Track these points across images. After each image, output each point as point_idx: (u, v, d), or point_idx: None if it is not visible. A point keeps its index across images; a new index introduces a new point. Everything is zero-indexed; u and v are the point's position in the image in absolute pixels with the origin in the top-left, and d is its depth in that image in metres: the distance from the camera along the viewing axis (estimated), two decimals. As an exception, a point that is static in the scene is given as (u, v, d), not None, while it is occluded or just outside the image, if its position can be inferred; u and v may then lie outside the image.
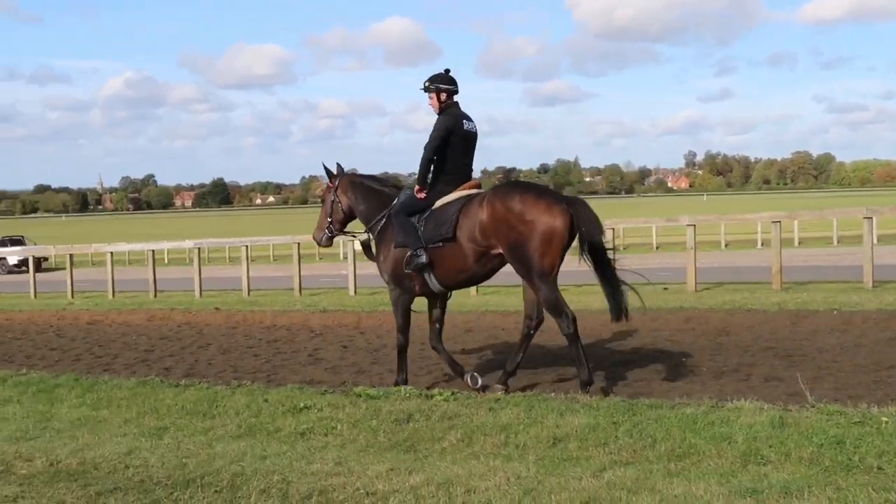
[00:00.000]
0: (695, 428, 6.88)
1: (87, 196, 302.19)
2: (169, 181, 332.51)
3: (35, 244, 50.22)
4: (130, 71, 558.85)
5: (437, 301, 9.81)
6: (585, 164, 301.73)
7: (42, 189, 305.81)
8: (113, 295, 25.42)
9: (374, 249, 9.85)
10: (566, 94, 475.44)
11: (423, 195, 9.21)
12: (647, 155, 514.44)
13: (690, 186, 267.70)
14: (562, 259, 8.65)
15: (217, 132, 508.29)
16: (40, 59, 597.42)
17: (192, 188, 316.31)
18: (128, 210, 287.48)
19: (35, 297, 26.99)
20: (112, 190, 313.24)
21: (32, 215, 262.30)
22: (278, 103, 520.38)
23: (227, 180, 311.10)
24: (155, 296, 24.42)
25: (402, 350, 9.53)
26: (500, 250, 8.76)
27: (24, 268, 44.94)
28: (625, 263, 8.95)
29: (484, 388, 9.24)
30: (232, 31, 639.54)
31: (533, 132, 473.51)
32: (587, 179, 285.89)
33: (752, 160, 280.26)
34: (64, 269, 34.91)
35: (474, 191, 9.18)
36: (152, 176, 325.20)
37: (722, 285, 19.12)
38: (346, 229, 10.35)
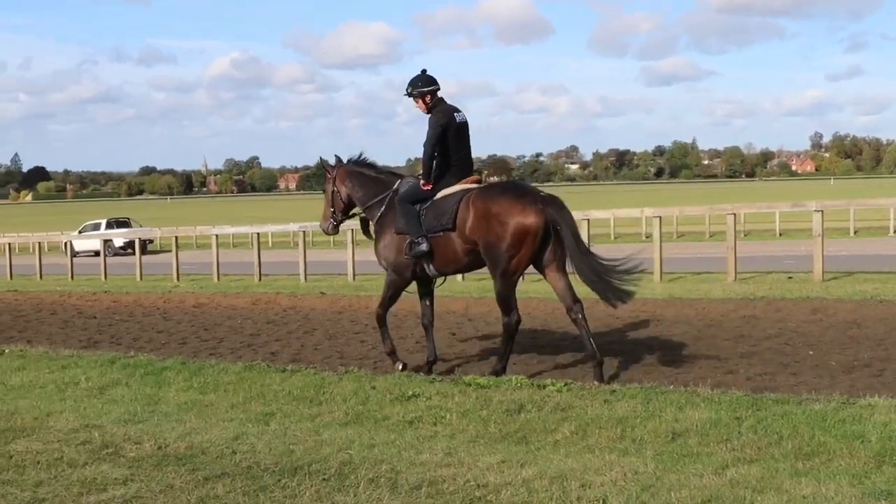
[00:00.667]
0: (824, 425, 6.72)
1: (192, 178, 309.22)
2: (273, 163, 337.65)
3: (140, 226, 51.60)
4: (236, 51, 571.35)
5: (426, 285, 10.72)
6: (704, 146, 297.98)
7: (147, 171, 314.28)
8: (218, 278, 25.95)
9: (372, 233, 10.78)
10: (684, 73, 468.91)
11: (430, 187, 10.07)
12: (770, 136, 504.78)
13: (816, 170, 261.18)
14: (531, 259, 9.45)
15: (322, 113, 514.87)
16: (147, 39, 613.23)
17: (296, 170, 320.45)
18: (232, 192, 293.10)
19: (141, 279, 27.73)
20: (216, 172, 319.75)
21: (138, 197, 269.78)
22: (384, 83, 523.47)
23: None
24: (259, 279, 24.84)
25: (382, 321, 10.63)
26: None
27: (129, 250, 46.19)
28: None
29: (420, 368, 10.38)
30: (338, 9, 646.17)
31: (648, 113, 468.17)
32: (705, 162, 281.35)
33: (884, 142, 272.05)
34: (169, 251, 35.79)
35: (473, 185, 9.99)
36: (256, 158, 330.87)
37: (851, 275, 18.62)
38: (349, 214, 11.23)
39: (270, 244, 51.24)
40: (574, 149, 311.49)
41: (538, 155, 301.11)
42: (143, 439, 7.43)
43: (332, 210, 11.14)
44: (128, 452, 7.10)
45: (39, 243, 35.71)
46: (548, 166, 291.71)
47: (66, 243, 41.72)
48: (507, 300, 9.59)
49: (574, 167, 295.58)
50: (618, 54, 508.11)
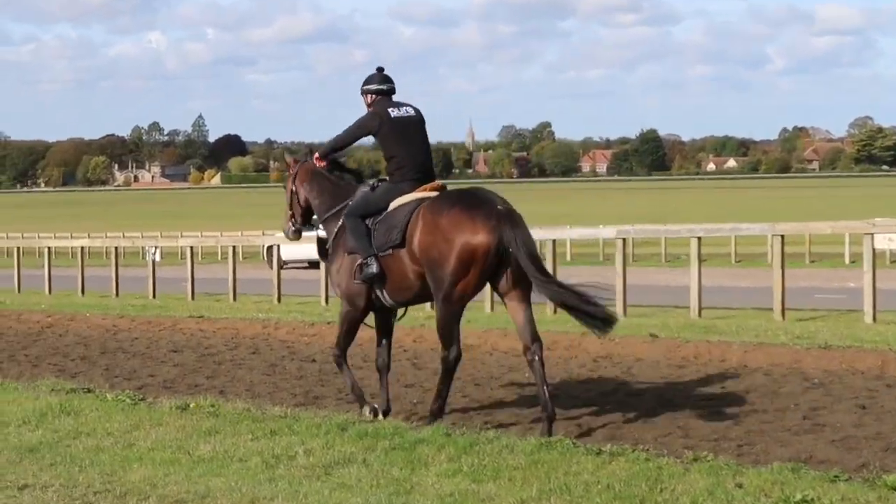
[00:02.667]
0: None
1: (451, 154, 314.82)
2: (573, 133, 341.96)
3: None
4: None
5: (387, 314, 13.17)
6: None
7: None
8: (492, 307, 26.20)
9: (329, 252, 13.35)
10: None
11: (320, 161, 13.34)
12: None
13: None
14: (479, 285, 12.04)
15: (651, 57, 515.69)
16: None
17: (608, 144, 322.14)
18: (511, 176, 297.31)
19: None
20: (488, 146, 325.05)
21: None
22: (747, 12, 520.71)
23: (661, 133, 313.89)
24: (555, 311, 24.92)
25: (340, 364, 13.26)
26: None
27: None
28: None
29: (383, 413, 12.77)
30: None
31: None
32: None
33: None
34: (419, 264, 36.54)
35: (431, 194, 12.39)
36: (548, 125, 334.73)
37: None
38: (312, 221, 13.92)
39: (569, 257, 51.56)
40: None
41: None
42: (392, 547, 7.65)
43: (290, 213, 13.80)
44: (370, 566, 7.32)
45: (233, 247, 37.05)
46: None
47: (268, 248, 43.38)
48: (448, 330, 12.03)
49: None
50: None
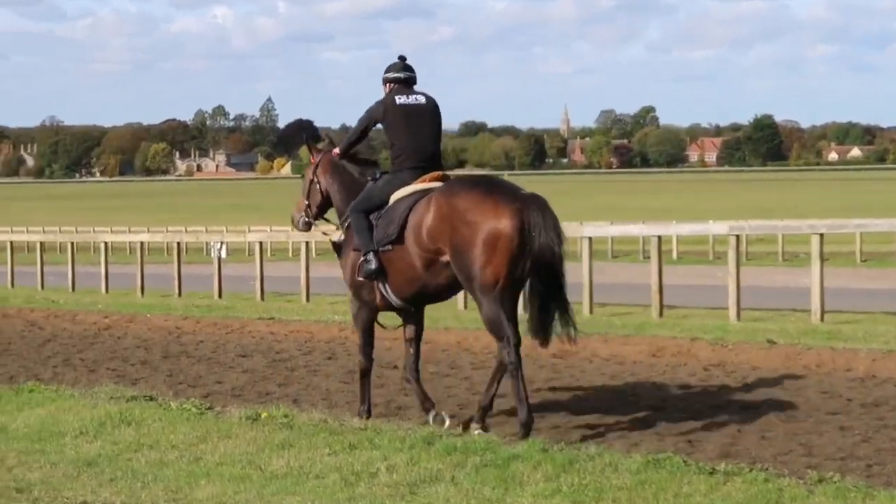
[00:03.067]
0: None
1: (544, 140, 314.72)
2: (679, 119, 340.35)
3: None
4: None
5: (410, 317, 13.83)
6: None
7: (472, 129, 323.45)
8: (590, 310, 26.15)
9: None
10: None
11: (341, 157, 14.09)
12: None
13: None
14: (513, 271, 12.19)
15: (765, 35, 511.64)
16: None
17: (717, 131, 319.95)
18: (610, 166, 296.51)
19: (465, 307, 28.47)
20: (584, 133, 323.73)
21: (457, 172, 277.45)
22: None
23: (777, 119, 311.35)
24: (661, 314, 24.89)
25: (365, 374, 13.85)
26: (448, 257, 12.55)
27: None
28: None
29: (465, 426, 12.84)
30: None
31: None
32: None
33: None
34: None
35: (434, 184, 12.99)
36: (651, 110, 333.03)
37: None
38: (326, 218, 14.87)
39: (675, 255, 51.29)
40: None
41: None
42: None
43: (306, 203, 14.53)
44: None
45: (306, 243, 36.87)
46: None
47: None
48: (496, 322, 12.38)
49: None
50: None
